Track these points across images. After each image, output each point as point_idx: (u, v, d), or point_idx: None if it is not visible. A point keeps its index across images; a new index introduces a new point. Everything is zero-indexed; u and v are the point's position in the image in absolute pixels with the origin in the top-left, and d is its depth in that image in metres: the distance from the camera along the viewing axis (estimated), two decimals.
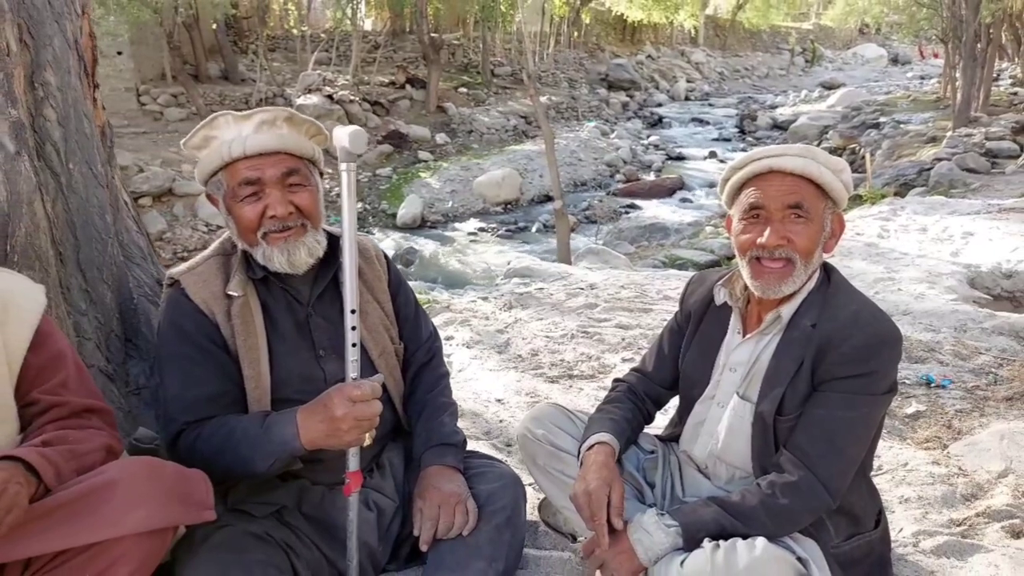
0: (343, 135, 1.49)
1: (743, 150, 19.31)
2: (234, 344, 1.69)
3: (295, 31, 23.15)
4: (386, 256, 2.01)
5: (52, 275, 1.76)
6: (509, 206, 14.75)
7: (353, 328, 1.59)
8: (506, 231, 12.97)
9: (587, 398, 3.18)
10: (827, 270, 1.71)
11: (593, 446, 1.76)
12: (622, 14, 29.92)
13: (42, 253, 1.73)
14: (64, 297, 1.81)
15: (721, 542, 1.51)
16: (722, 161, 17.79)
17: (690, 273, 5.94)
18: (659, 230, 11.40)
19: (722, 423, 1.73)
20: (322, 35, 23.68)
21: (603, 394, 3.22)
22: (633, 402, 1.92)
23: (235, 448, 1.58)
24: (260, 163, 1.63)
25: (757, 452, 1.68)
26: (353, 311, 1.59)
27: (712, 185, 15.14)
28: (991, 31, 16.41)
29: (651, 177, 16.51)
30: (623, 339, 3.93)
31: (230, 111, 1.66)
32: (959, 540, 2.01)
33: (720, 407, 1.76)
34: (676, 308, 1.97)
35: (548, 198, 15.07)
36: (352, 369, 1.59)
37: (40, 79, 1.82)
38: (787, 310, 1.66)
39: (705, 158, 18.29)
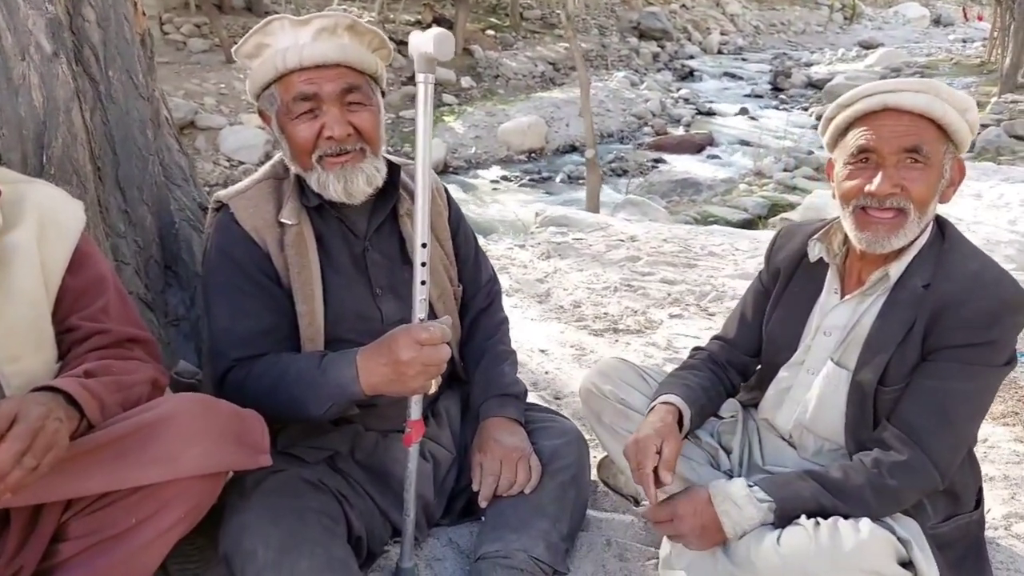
0: (426, 40, 1.30)
1: (775, 108, 18.78)
2: (287, 276, 1.54)
3: None
4: (446, 190, 1.84)
5: (90, 192, 1.61)
6: (533, 155, 14.43)
7: (424, 264, 1.42)
8: (529, 180, 12.70)
9: (635, 354, 3.03)
10: (940, 224, 1.51)
11: (655, 406, 1.61)
12: None
13: (80, 167, 1.57)
14: (102, 217, 1.66)
15: (820, 520, 1.37)
16: (753, 119, 17.25)
17: (733, 231, 5.74)
18: (690, 185, 11.07)
19: (812, 391, 1.57)
20: None
21: (651, 351, 3.11)
22: (712, 371, 1.75)
23: (288, 389, 1.44)
24: (318, 76, 1.45)
25: (851, 424, 1.52)
26: (424, 245, 1.42)
27: (743, 143, 14.73)
28: None
29: (680, 131, 16.06)
30: (668, 294, 3.76)
31: (286, 15, 1.46)
32: None
33: (810, 374, 1.59)
34: (725, 271, 1.78)
35: (573, 148, 14.74)
36: (420, 309, 1.42)
37: None
38: (895, 268, 1.47)
39: (736, 114, 17.73)
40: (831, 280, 1.59)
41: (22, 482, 1.00)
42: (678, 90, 20.32)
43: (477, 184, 12.63)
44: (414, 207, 1.40)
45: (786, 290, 1.67)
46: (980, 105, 13.55)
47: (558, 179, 12.74)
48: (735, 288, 3.84)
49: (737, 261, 4.36)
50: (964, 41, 29.64)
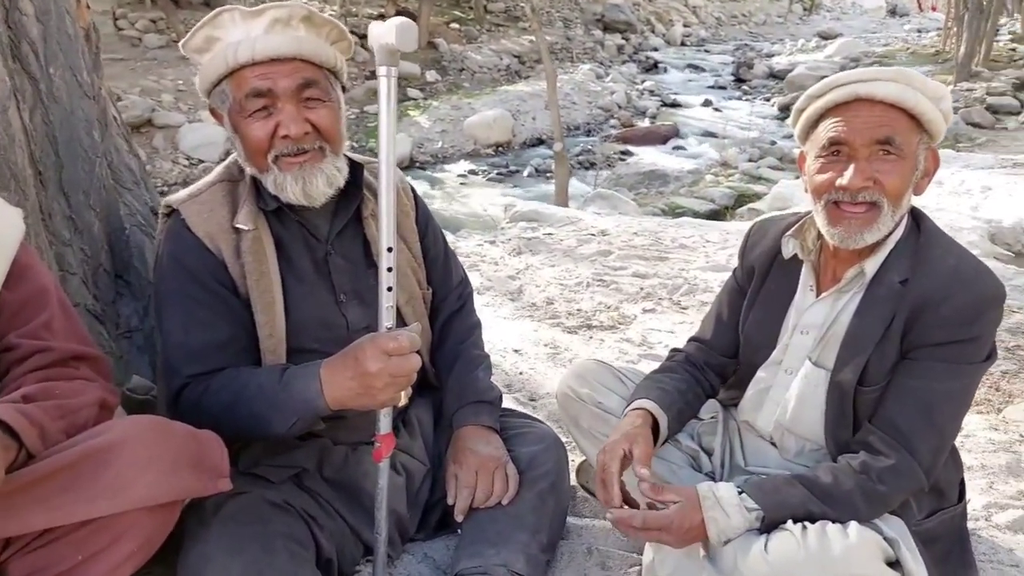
0: (388, 30, 1.21)
1: (738, 99, 18.93)
2: (244, 285, 1.45)
3: None
4: (413, 188, 1.77)
5: (31, 198, 1.50)
6: (500, 148, 14.36)
7: (389, 269, 1.34)
8: (497, 174, 12.63)
9: (610, 351, 2.98)
10: (916, 216, 1.47)
11: (628, 412, 1.56)
12: None
13: (18, 171, 1.47)
14: (45, 224, 1.56)
15: (807, 524, 1.33)
16: (717, 110, 17.39)
17: (703, 223, 5.73)
18: (658, 177, 11.11)
19: (791, 392, 1.52)
20: None
21: (626, 347, 3.07)
22: (690, 373, 1.70)
23: (249, 405, 1.36)
24: (271, 71, 1.36)
25: (831, 424, 1.48)
26: (390, 249, 1.34)
27: (708, 134, 14.82)
28: None
29: (646, 123, 16.12)
30: (641, 288, 3.72)
31: (237, 6, 1.36)
32: None
33: (788, 374, 1.55)
34: (696, 264, 1.74)
35: (540, 141, 14.69)
36: (387, 317, 1.34)
37: None
38: (871, 264, 1.42)
39: (700, 106, 17.84)
40: (806, 277, 1.54)
41: None
42: (643, 82, 20.39)
43: (444, 179, 12.52)
44: (378, 209, 1.33)
45: (762, 288, 1.62)
46: None
47: (526, 172, 12.69)
48: (707, 281, 3.81)
49: (708, 253, 4.34)
50: (919, 31, 30.21)
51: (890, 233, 1.41)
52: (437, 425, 1.74)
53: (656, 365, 1.80)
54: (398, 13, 20.67)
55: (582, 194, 9.81)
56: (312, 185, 1.41)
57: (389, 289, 1.34)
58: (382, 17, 20.27)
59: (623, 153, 13.41)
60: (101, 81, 1.83)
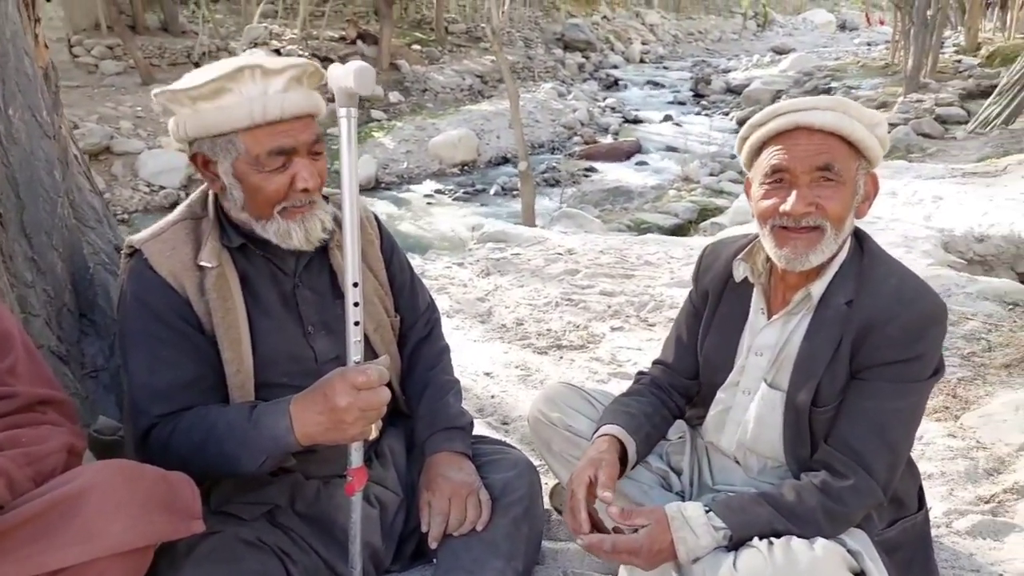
0: (346, 74, 1.24)
1: (697, 114, 19.26)
2: (210, 323, 1.45)
3: None
4: (377, 218, 1.78)
5: None
6: (466, 167, 14.42)
7: (356, 304, 1.36)
8: (464, 193, 12.66)
9: (580, 370, 3.01)
10: (859, 238, 1.52)
11: (595, 440, 1.59)
12: None
13: None
14: (6, 267, 1.54)
15: (773, 540, 1.36)
16: (677, 125, 17.66)
17: (667, 239, 5.81)
18: (622, 193, 11.24)
19: (750, 413, 1.56)
20: None
21: (596, 366, 3.10)
22: (656, 396, 1.73)
23: (219, 444, 1.36)
24: (292, 128, 1.38)
25: (790, 444, 1.51)
26: (356, 284, 1.36)
27: (669, 149, 15.04)
28: None
29: (609, 140, 16.31)
30: (609, 307, 3.76)
31: (260, 63, 1.35)
32: (991, 519, 1.92)
33: (746, 395, 1.58)
34: (662, 280, 1.78)
35: (505, 160, 14.77)
36: (355, 351, 1.37)
37: None
38: (817, 287, 1.47)
39: (661, 121, 18.11)
40: (757, 300, 1.58)
41: None
42: (604, 99, 20.64)
43: (410, 199, 12.51)
44: (343, 243, 1.35)
45: (716, 311, 1.66)
46: (887, 105, 14.19)
47: (492, 191, 12.75)
48: (672, 297, 3.87)
49: (673, 269, 4.41)
50: (869, 44, 31.10)
51: (834, 256, 1.46)
52: (410, 454, 1.75)
53: (626, 383, 1.83)
54: (359, 36, 20.69)
55: (548, 211, 9.88)
56: (313, 231, 1.45)
57: (356, 323, 1.36)
58: (343, 39, 20.27)
59: (587, 170, 13.54)
60: (61, 120, 1.82)
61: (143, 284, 1.42)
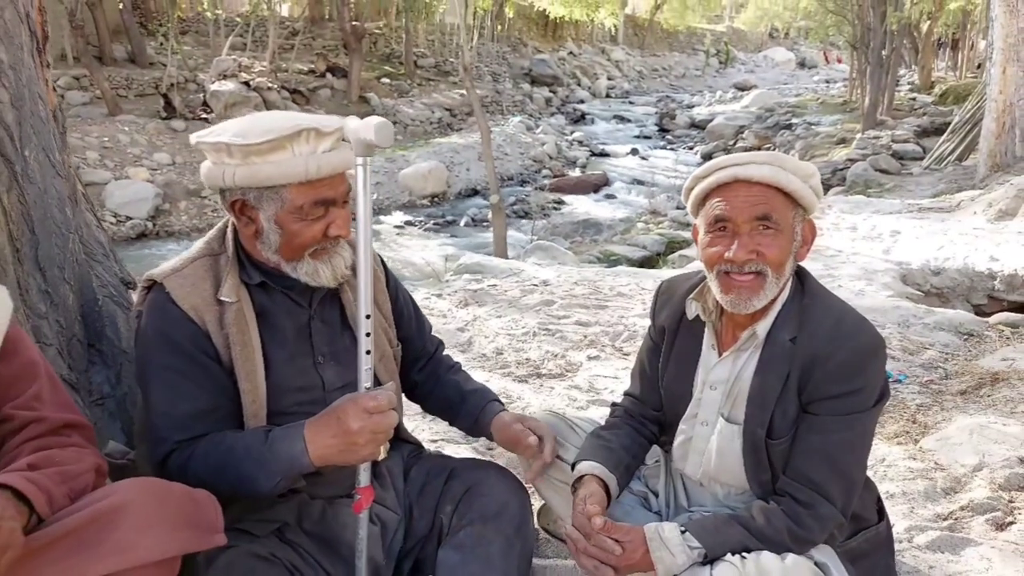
0: (367, 128, 1.37)
1: (663, 148, 19.73)
2: (228, 355, 1.53)
3: (208, 14, 22.10)
4: (380, 256, 1.89)
5: (10, 275, 1.56)
6: (436, 199, 14.56)
7: (368, 334, 1.47)
8: (434, 224, 12.78)
9: (560, 398, 3.11)
10: (800, 276, 1.64)
11: (583, 479, 1.68)
12: (544, 10, 29.99)
13: None
14: (23, 299, 1.60)
15: (746, 553, 1.47)
16: (644, 158, 18.06)
17: (638, 271, 5.98)
18: (592, 226, 11.46)
19: (711, 444, 1.66)
20: (237, 19, 22.73)
21: (575, 394, 3.21)
22: (631, 427, 1.84)
23: (236, 467, 1.44)
24: (333, 182, 1.51)
25: (751, 472, 1.62)
26: (368, 316, 1.46)
27: (636, 182, 15.37)
28: (895, 39, 17.28)
29: (576, 173, 16.60)
30: (585, 336, 3.89)
31: (315, 125, 1.46)
32: (949, 535, 2.05)
33: (704, 426, 1.69)
34: (634, 311, 1.89)
35: (475, 192, 14.96)
36: (366, 378, 1.47)
37: None
38: (762, 326, 1.58)
39: (627, 155, 18.51)
40: (708, 337, 1.68)
41: None
42: (572, 133, 21.00)
43: (381, 230, 12.58)
44: (356, 281, 1.45)
45: (673, 347, 1.75)
46: (846, 141, 14.70)
47: (462, 223, 12.88)
48: (645, 327, 3.99)
49: (644, 300, 4.55)
50: (827, 81, 32.11)
51: (777, 296, 1.57)
52: (406, 477, 1.83)
53: (604, 410, 1.92)
54: (328, 69, 20.86)
55: (519, 243, 10.04)
56: (338, 269, 1.56)
57: (368, 352, 1.46)
58: (312, 72, 20.40)
59: (556, 202, 13.78)
60: (69, 159, 1.89)
61: (166, 318, 1.50)
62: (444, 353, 2.02)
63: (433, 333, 2.02)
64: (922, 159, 12.39)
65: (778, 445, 1.55)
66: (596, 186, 15.17)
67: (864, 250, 5.78)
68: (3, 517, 1.03)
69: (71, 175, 1.86)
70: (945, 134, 12.05)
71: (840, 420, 1.51)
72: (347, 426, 1.38)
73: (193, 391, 1.50)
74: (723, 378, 1.63)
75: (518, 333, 3.94)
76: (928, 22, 20.16)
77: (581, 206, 13.46)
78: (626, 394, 1.92)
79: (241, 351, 1.53)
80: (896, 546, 2.00)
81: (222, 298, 1.53)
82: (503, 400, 3.05)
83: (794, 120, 18.89)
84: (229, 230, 1.61)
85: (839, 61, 38.73)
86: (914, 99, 19.49)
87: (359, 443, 1.39)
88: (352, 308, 1.68)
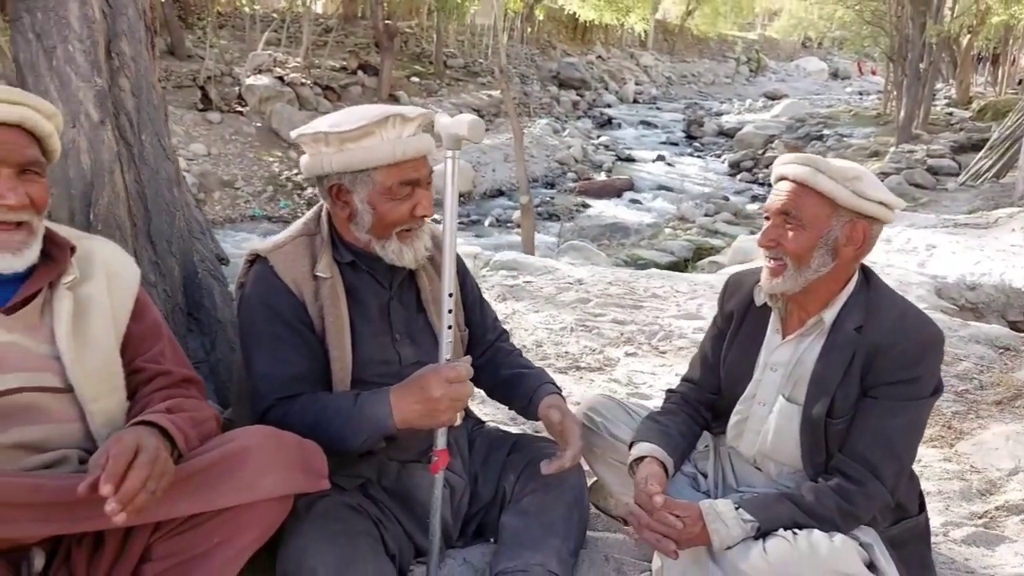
0: (459, 124, 1.51)
1: (690, 155, 19.71)
2: (321, 325, 1.69)
3: (246, 9, 22.46)
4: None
5: (128, 246, 1.72)
6: (462, 199, 14.68)
7: (450, 311, 1.61)
8: (459, 223, 12.84)
9: (600, 390, 3.23)
10: (866, 272, 1.75)
11: (644, 460, 1.79)
12: (574, 13, 30.11)
13: (120, 223, 1.69)
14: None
15: (796, 531, 1.58)
16: (670, 165, 18.03)
17: (672, 274, 6.08)
18: (619, 229, 11.56)
19: (768, 424, 1.78)
20: (273, 15, 23.08)
21: (614, 387, 3.32)
22: (687, 413, 1.96)
23: (328, 424, 1.59)
24: (417, 164, 1.66)
25: (807, 452, 1.73)
26: (451, 295, 1.61)
27: (662, 188, 15.41)
28: (933, 52, 17.15)
29: (602, 177, 16.63)
30: (621, 334, 4.00)
31: (400, 112, 1.63)
32: (984, 531, 2.15)
33: (761, 406, 1.80)
34: (669, 312, 2.00)
35: (500, 192, 15.08)
36: (447, 351, 1.61)
37: (116, 49, 1.79)
38: (829, 314, 1.70)
39: (654, 161, 18.44)
40: (774, 322, 1.81)
41: (145, 505, 1.12)
42: (598, 137, 21.02)
43: None
44: (442, 262, 1.61)
45: (739, 331, 1.89)
46: (879, 154, 14.63)
47: (487, 223, 12.99)
48: (681, 328, 4.11)
49: (679, 302, 4.66)
50: (860, 93, 31.72)
51: (843, 287, 1.70)
52: (471, 448, 1.97)
53: (644, 403, 2.04)
54: (360, 67, 21.09)
55: (546, 244, 10.15)
56: (420, 251, 1.71)
57: (449, 327, 1.61)
58: (344, 70, 20.64)
59: (582, 205, 13.88)
60: (172, 145, 2.05)
61: (269, 288, 1.66)
62: (506, 339, 2.13)
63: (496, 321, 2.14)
64: (958, 175, 12.31)
65: (836, 425, 1.67)
66: (620, 190, 15.20)
67: (898, 263, 5.83)
68: (160, 448, 1.18)
69: (176, 158, 2.01)
70: (983, 150, 11.94)
71: (898, 405, 1.63)
72: (430, 393, 1.53)
73: (291, 355, 1.65)
74: (784, 360, 1.75)
75: (556, 328, 4.06)
76: (968, 36, 19.96)
77: (607, 210, 13.53)
78: (683, 380, 2.04)
79: (333, 322, 1.68)
80: (932, 539, 2.11)
81: (318, 273, 1.68)
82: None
83: (825, 131, 18.78)
84: (323, 214, 1.77)
85: (873, 73, 38.32)
86: (951, 114, 19.29)
87: (440, 409, 1.54)
88: (427, 293, 1.84)
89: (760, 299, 1.81)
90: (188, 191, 2.09)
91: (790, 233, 1.64)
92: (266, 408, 1.64)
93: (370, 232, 1.68)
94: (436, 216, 1.63)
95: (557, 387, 1.96)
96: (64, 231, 1.41)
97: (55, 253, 1.36)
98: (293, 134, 1.67)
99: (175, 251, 1.89)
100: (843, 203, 1.62)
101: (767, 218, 1.70)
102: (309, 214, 1.78)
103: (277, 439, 1.36)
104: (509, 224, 12.40)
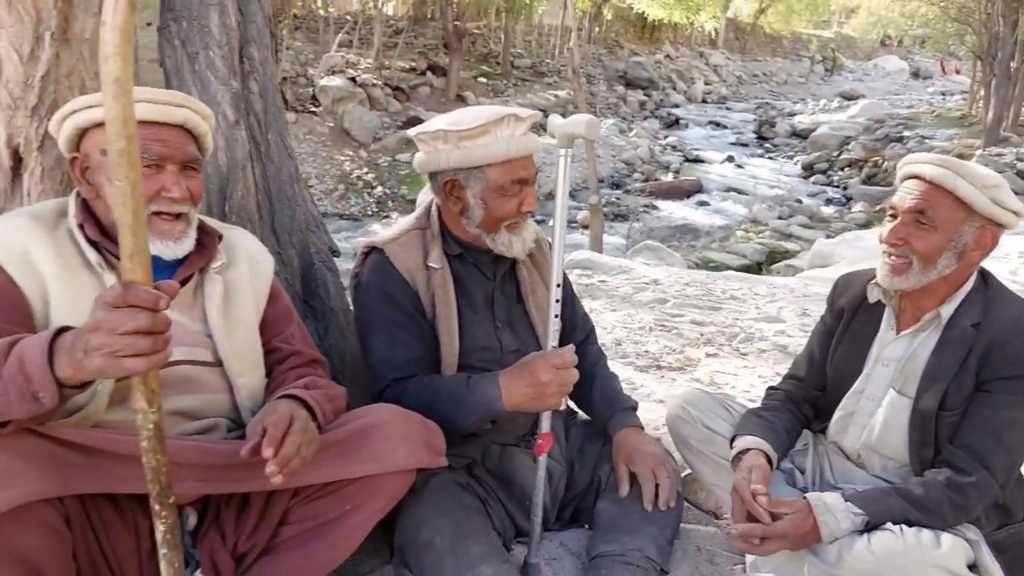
0: (576, 123, 1.58)
1: (761, 156, 19.36)
2: (432, 312, 1.79)
3: (320, 12, 23.12)
4: (549, 242, 2.11)
5: (257, 237, 1.84)
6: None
7: (557, 301, 1.69)
8: None
9: (682, 389, 3.26)
10: (983, 273, 1.76)
11: (749, 451, 1.82)
12: (643, 12, 29.89)
13: (251, 215, 1.83)
14: None
15: (904, 526, 1.59)
16: (739, 166, 17.70)
17: (748, 276, 6.04)
18: (689, 231, 11.47)
19: (877, 417, 1.80)
20: (347, 17, 23.66)
21: (696, 386, 3.34)
22: (791, 411, 1.99)
23: (442, 404, 1.69)
24: (526, 163, 1.76)
25: (915, 445, 1.74)
26: (558, 285, 1.69)
27: (731, 190, 15.14)
28: None
29: (669, 178, 16.45)
30: (701, 334, 4.02)
31: (515, 112, 1.72)
32: None
33: (870, 400, 1.82)
34: (749, 314, 2.00)
35: None
36: (553, 338, 1.69)
37: (247, 54, 1.93)
38: (946, 310, 1.72)
39: (722, 162, 18.15)
40: (888, 318, 1.84)
41: (297, 469, 1.25)
42: (665, 137, 20.77)
43: None
44: (551, 255, 1.69)
45: (850, 327, 1.92)
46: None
47: (551, 223, 12.95)
48: (761, 330, 4.11)
49: (758, 305, 4.64)
50: (943, 94, 30.41)
51: (960, 286, 1.71)
52: (568, 435, 2.05)
53: (737, 400, 2.09)
54: (429, 67, 21.43)
55: (613, 244, 10.16)
56: (525, 243, 1.82)
57: (556, 316, 1.69)
58: (414, 71, 21.00)
59: (649, 206, 13.79)
60: (291, 144, 2.20)
61: (386, 277, 1.78)
62: (593, 340, 2.18)
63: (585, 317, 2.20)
64: None
65: (947, 417, 1.68)
66: (689, 192, 15.02)
67: (990, 269, 5.65)
68: (308, 419, 1.32)
69: (295, 156, 2.16)
70: None
71: (1011, 399, 1.64)
72: (538, 378, 1.62)
73: (406, 339, 1.77)
74: (898, 355, 1.78)
75: (634, 327, 4.11)
76: None
77: (675, 211, 13.42)
78: (786, 377, 2.07)
79: (443, 310, 1.79)
80: None
81: (430, 264, 1.80)
82: (627, 387, 3.23)
83: (906, 133, 18.10)
84: (434, 209, 1.87)
85: (957, 72, 36.79)
86: None
87: (547, 393, 1.62)
88: (526, 285, 1.93)
89: (874, 296, 1.83)
90: (306, 188, 2.23)
91: (920, 233, 1.64)
92: (383, 388, 1.76)
93: (480, 226, 1.78)
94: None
95: (632, 410, 2.01)
96: (210, 222, 1.55)
97: (206, 241, 1.50)
98: (411, 132, 1.78)
99: (295, 242, 2.03)
100: (979, 210, 1.63)
101: (892, 215, 1.70)
102: (419, 209, 1.90)
103: (405, 416, 1.48)
104: (572, 224, 12.42)
